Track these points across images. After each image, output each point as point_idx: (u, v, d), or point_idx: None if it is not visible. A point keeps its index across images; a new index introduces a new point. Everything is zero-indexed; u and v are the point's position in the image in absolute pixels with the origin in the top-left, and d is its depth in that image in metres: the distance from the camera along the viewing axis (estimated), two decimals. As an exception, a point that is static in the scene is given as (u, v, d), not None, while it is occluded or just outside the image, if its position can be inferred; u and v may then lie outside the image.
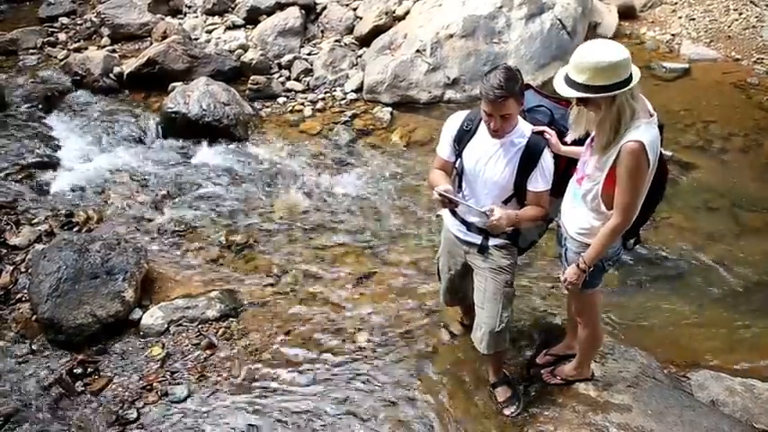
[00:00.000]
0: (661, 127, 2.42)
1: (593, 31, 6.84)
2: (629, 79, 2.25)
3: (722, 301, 3.92)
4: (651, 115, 2.35)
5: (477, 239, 2.77)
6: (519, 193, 2.64)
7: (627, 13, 7.41)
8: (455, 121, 2.72)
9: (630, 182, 2.32)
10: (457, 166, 2.73)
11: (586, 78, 2.24)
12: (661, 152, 2.47)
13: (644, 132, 2.28)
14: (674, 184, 4.77)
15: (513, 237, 2.80)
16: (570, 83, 2.29)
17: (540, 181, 2.59)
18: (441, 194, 2.56)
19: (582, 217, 2.55)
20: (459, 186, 2.75)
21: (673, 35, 7.16)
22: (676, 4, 7.67)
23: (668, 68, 6.45)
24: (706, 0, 7.60)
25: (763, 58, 6.70)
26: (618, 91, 2.23)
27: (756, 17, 7.26)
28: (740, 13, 7.35)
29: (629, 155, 2.27)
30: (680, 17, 7.45)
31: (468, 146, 2.67)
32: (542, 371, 3.24)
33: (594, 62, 2.23)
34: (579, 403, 3.03)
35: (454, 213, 2.83)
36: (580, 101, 2.35)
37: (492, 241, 2.75)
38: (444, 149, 2.76)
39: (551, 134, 2.62)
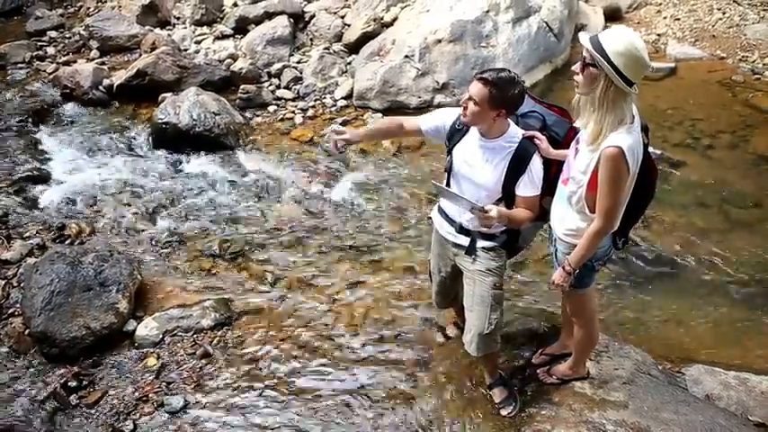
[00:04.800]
0: (645, 128, 2.44)
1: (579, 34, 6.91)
2: (632, 84, 2.27)
3: (714, 296, 3.96)
4: (633, 118, 2.36)
5: (465, 241, 2.77)
6: (507, 197, 2.65)
7: (613, 15, 7.50)
8: (452, 115, 2.69)
9: (610, 186, 2.33)
10: (446, 163, 2.76)
11: (611, 48, 2.21)
12: (648, 152, 2.50)
13: (624, 138, 2.28)
14: (664, 181, 4.81)
15: (513, 237, 2.81)
16: (594, 41, 2.26)
17: (528, 186, 2.60)
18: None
19: (569, 218, 2.56)
20: (448, 185, 2.77)
21: (658, 35, 7.25)
22: (661, 4, 7.77)
23: (655, 68, 6.51)
24: (690, 0, 7.70)
25: (747, 56, 6.79)
26: (621, 81, 2.23)
27: (740, 16, 7.37)
28: (724, 13, 7.45)
29: (608, 160, 2.29)
30: (665, 17, 7.54)
31: (459, 145, 2.69)
32: (538, 370, 3.24)
33: (633, 46, 2.21)
34: (576, 402, 3.03)
35: (443, 213, 2.84)
36: (583, 67, 2.30)
37: (480, 243, 2.75)
38: (426, 122, 2.77)
39: (542, 139, 2.63)
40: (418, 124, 2.80)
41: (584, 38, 2.31)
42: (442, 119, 2.75)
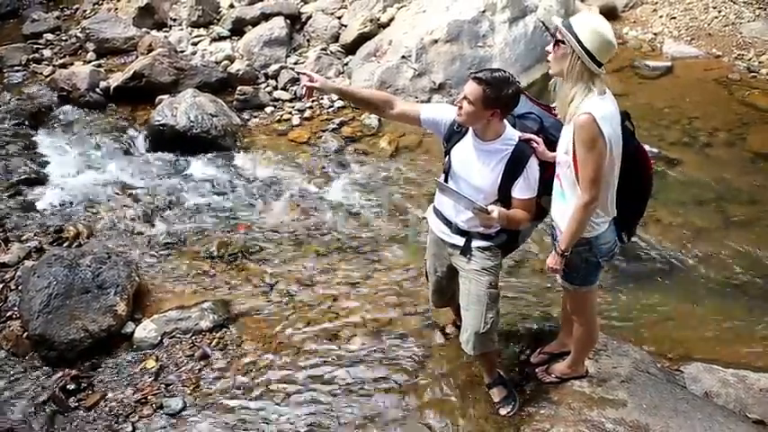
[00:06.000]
0: (627, 116, 2.47)
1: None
2: (601, 65, 2.36)
3: (712, 294, 3.97)
4: (605, 93, 2.41)
5: (461, 242, 2.78)
6: (503, 199, 2.65)
7: (609, 14, 7.46)
8: (453, 113, 2.65)
9: (587, 154, 2.35)
10: (444, 164, 2.76)
11: (578, 26, 2.32)
12: (640, 144, 2.52)
13: (593, 105, 2.34)
14: (661, 179, 4.82)
15: (513, 237, 2.82)
16: (565, 22, 2.38)
17: (525, 189, 2.61)
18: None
19: (570, 214, 2.56)
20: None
21: (654, 34, 7.27)
22: (657, 3, 7.78)
23: (651, 67, 6.55)
24: (686, -1, 7.73)
25: (743, 54, 6.81)
26: (588, 59, 2.31)
27: (735, 14, 7.39)
28: (719, 11, 7.47)
29: (579, 128, 2.34)
30: (661, 16, 7.56)
31: (456, 147, 2.69)
32: (537, 369, 3.25)
33: (599, 26, 2.34)
34: (574, 400, 3.04)
35: (438, 214, 2.85)
36: (554, 45, 2.41)
37: (475, 243, 2.76)
38: (429, 111, 2.76)
39: (538, 142, 2.64)
40: (418, 111, 2.79)
41: (556, 20, 2.43)
42: (443, 113, 2.74)
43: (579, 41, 2.31)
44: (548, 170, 2.65)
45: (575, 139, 2.37)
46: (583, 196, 2.42)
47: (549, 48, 2.43)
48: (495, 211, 2.53)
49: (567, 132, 2.42)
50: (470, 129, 2.64)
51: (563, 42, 2.36)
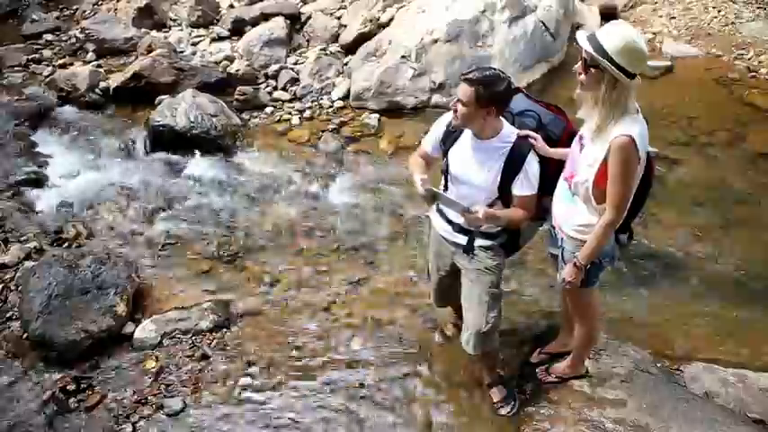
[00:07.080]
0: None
1: (575, 33, 6.93)
2: (635, 76, 2.30)
3: (712, 294, 3.96)
4: (638, 110, 2.39)
5: (463, 240, 2.78)
6: (504, 197, 2.66)
7: (609, 14, 7.48)
8: (442, 124, 2.77)
9: (622, 176, 2.34)
10: (443, 165, 2.77)
11: (612, 47, 2.24)
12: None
13: (632, 126, 2.31)
14: (662, 180, 4.81)
15: (514, 236, 2.82)
16: (594, 42, 2.28)
17: (525, 186, 2.61)
18: (425, 188, 2.62)
19: (577, 215, 2.55)
20: (446, 188, 2.79)
21: (654, 34, 7.26)
22: (657, 3, 7.78)
23: (651, 66, 6.52)
24: (685, -1, 7.72)
25: (742, 54, 6.80)
26: (625, 77, 2.26)
27: (734, 14, 7.39)
28: (719, 11, 7.47)
29: (619, 149, 2.30)
30: (660, 16, 7.55)
31: (454, 147, 2.70)
32: (537, 369, 3.26)
33: (631, 40, 2.25)
34: (574, 400, 3.04)
35: (440, 213, 2.85)
36: (585, 68, 2.33)
37: (477, 242, 2.76)
38: (428, 142, 2.83)
39: (536, 138, 2.63)
40: (424, 149, 2.86)
41: (582, 39, 2.33)
42: (435, 134, 2.80)
43: (614, 62, 2.23)
44: (550, 167, 2.65)
45: (610, 158, 2.33)
46: (610, 213, 2.41)
47: (578, 68, 2.36)
48: (481, 210, 2.54)
49: (598, 149, 2.37)
50: (467, 129, 2.64)
51: (595, 67, 2.28)
